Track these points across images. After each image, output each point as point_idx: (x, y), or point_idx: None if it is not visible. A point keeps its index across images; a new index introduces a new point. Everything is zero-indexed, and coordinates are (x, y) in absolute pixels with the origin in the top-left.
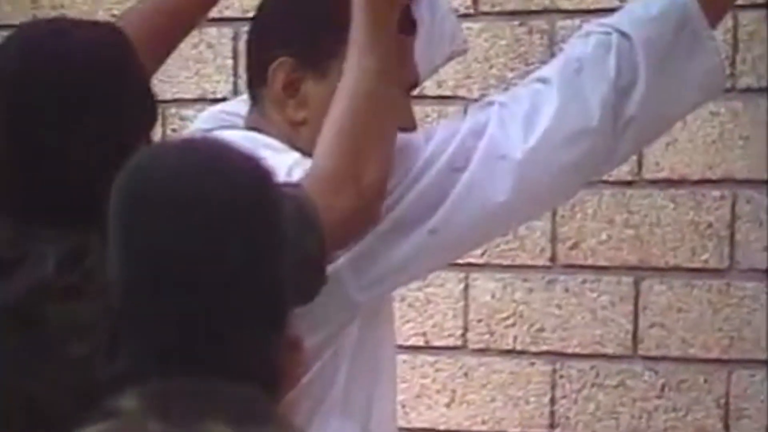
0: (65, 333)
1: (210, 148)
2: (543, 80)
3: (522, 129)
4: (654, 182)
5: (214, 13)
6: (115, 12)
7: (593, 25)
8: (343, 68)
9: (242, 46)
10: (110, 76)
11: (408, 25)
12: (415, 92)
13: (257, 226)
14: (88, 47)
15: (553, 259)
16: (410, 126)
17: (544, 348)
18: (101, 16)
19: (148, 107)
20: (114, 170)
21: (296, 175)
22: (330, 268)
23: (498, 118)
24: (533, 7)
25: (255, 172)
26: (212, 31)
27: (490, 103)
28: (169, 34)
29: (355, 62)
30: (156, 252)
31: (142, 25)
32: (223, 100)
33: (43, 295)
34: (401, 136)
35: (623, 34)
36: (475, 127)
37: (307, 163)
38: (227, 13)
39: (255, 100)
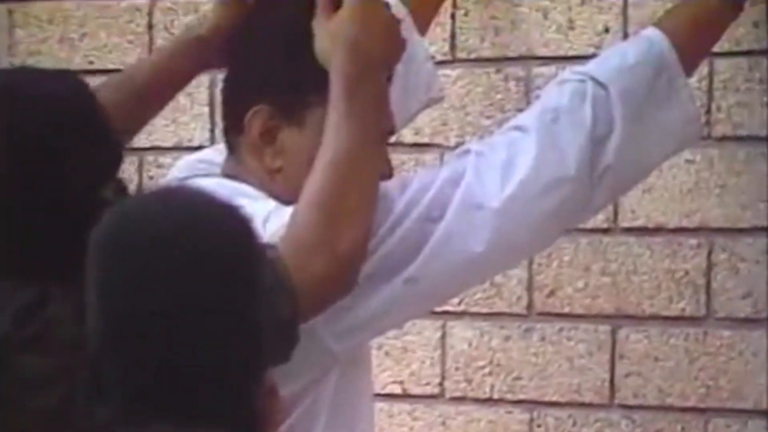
0: (29, 385)
1: (190, 198)
2: (519, 129)
3: (499, 178)
4: (630, 230)
5: None
6: (92, 59)
7: (569, 73)
8: (324, 126)
9: (219, 93)
10: (74, 119)
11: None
12: (392, 140)
13: (236, 276)
14: (57, 96)
15: (529, 307)
16: (387, 174)
17: (522, 396)
18: (78, 63)
19: (112, 150)
20: (72, 220)
21: (273, 224)
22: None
23: (474, 168)
24: (509, 54)
25: (235, 222)
26: None
27: (467, 152)
28: (139, 114)
29: (334, 129)
30: (134, 301)
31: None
32: (200, 147)
33: (2, 349)
34: (401, 178)
35: (599, 83)
36: (451, 177)
37: (284, 211)
38: None
39: (231, 148)
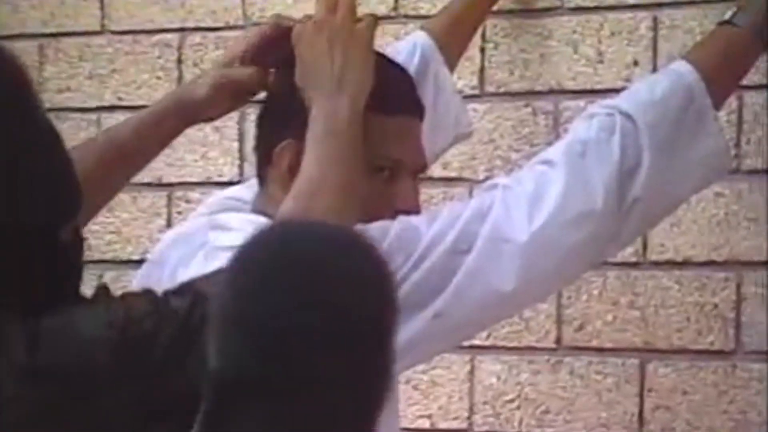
0: None
1: (328, 234)
2: (547, 162)
3: (526, 212)
4: (659, 264)
5: None
6: (122, 95)
7: (597, 106)
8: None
9: (248, 128)
10: (35, 161)
11: (417, 109)
12: (420, 174)
13: (380, 320)
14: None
15: (558, 341)
16: (415, 209)
17: (550, 430)
18: (108, 99)
19: (73, 193)
20: (30, 252)
21: None
22: None
23: (502, 201)
24: (538, 88)
25: (377, 262)
26: None
27: (495, 186)
28: (121, 175)
29: (312, 171)
30: (271, 343)
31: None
32: (230, 183)
33: None
34: (404, 219)
35: (627, 116)
36: (479, 210)
37: None
38: None
39: (262, 182)
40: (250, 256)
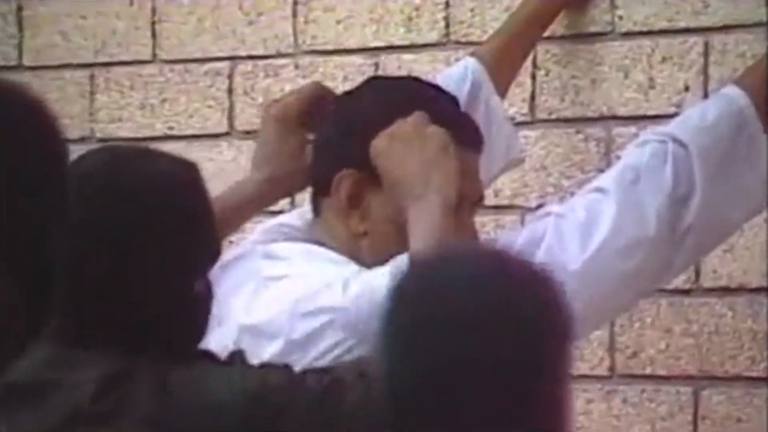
0: None
1: (497, 260)
2: (600, 190)
3: (579, 240)
4: (712, 290)
5: None
6: (173, 125)
7: (649, 133)
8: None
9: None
10: (183, 208)
11: (476, 142)
12: None
13: (545, 342)
14: (167, 178)
15: (611, 369)
16: (473, 240)
17: None
18: (159, 128)
19: (212, 246)
20: (167, 301)
21: (352, 289)
22: None
23: (555, 229)
24: (590, 114)
25: (545, 285)
26: None
27: (547, 214)
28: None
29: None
30: (441, 367)
31: None
32: (280, 212)
33: (76, 423)
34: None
35: (679, 143)
36: (532, 238)
37: (365, 276)
38: None
39: (317, 211)
40: (408, 293)
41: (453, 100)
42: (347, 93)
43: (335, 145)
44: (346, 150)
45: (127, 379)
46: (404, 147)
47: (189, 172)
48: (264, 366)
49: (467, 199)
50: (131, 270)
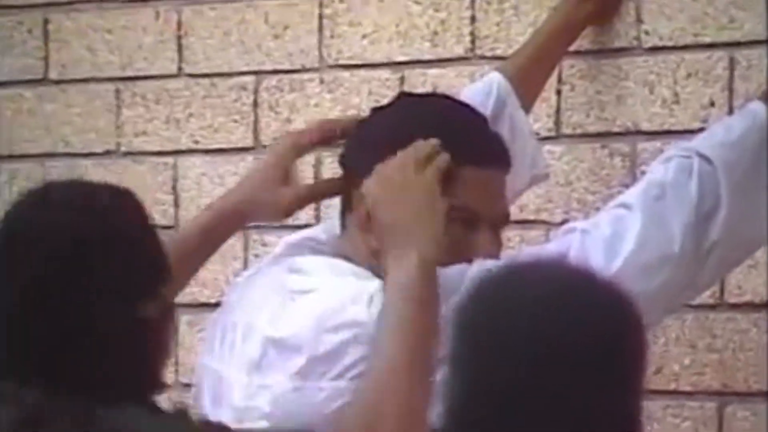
0: None
1: (566, 277)
2: (625, 206)
3: (603, 256)
4: (737, 306)
5: None
6: (198, 139)
7: (674, 149)
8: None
9: (324, 172)
10: (113, 236)
11: (503, 161)
12: None
13: (632, 367)
14: (112, 213)
15: None
16: (495, 258)
17: None
18: (184, 143)
19: (156, 267)
20: (108, 329)
21: (377, 305)
22: None
23: (579, 245)
24: (615, 129)
25: (626, 305)
26: None
27: (572, 230)
28: (186, 272)
29: (381, 355)
30: (508, 386)
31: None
32: (306, 226)
33: None
34: (482, 263)
35: (705, 158)
36: (556, 255)
37: None
38: None
39: (343, 225)
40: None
41: (481, 118)
42: (376, 109)
43: (357, 161)
44: (368, 166)
45: (45, 421)
46: (391, 193)
47: (120, 199)
48: (204, 424)
49: (489, 218)
50: (64, 303)
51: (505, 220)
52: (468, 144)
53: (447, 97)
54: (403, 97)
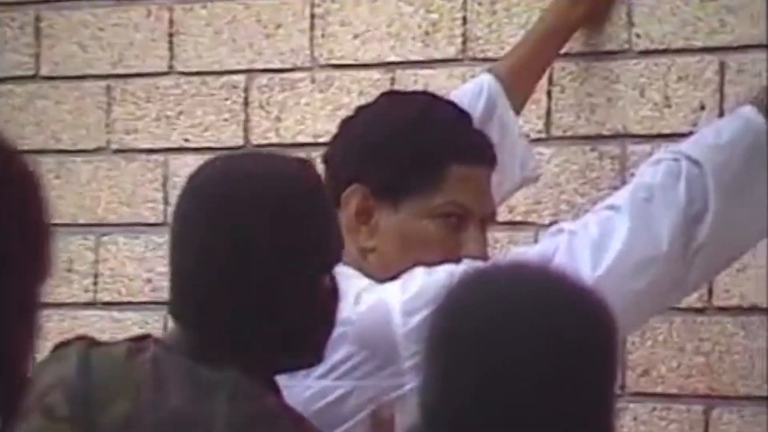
0: None
1: (541, 278)
2: (613, 208)
3: (590, 258)
4: (724, 310)
5: (287, 138)
6: (188, 137)
7: (663, 152)
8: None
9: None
10: (304, 207)
11: (488, 158)
12: None
13: (606, 367)
14: (285, 178)
15: (622, 386)
16: (481, 257)
17: None
18: (174, 140)
19: (334, 243)
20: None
21: (364, 303)
22: None
23: (566, 247)
24: (605, 132)
25: (597, 307)
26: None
27: (560, 231)
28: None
29: None
30: (498, 389)
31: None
32: None
33: None
34: (470, 263)
35: (693, 161)
36: (543, 256)
37: (377, 288)
38: (299, 139)
39: None
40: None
41: (465, 115)
42: (360, 108)
43: (344, 161)
44: (355, 166)
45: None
46: None
47: (306, 170)
48: None
49: (478, 214)
50: (257, 273)
51: (491, 217)
52: (453, 142)
53: (431, 95)
54: (387, 95)
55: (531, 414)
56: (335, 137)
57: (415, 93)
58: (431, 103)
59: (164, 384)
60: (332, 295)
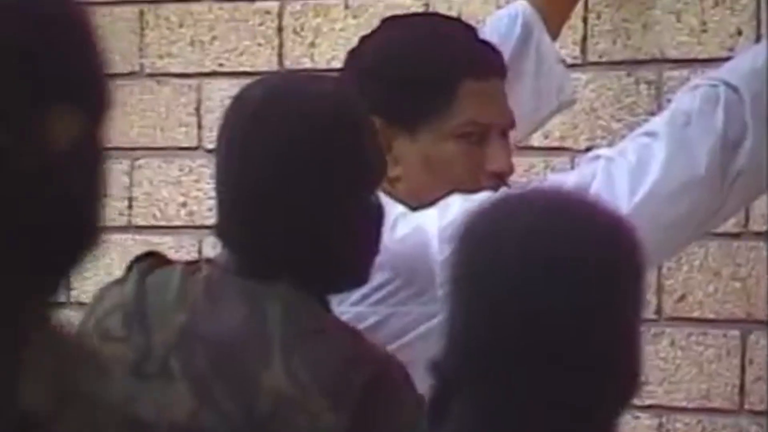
0: None
1: (568, 203)
2: (650, 134)
3: (628, 184)
4: (761, 234)
5: (320, 64)
6: (222, 62)
7: (701, 78)
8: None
9: None
10: (349, 125)
11: (497, 69)
12: (522, 143)
13: (627, 292)
14: (335, 103)
15: (659, 311)
16: (506, 167)
17: (650, 402)
18: (208, 65)
19: (379, 162)
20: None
21: (401, 230)
22: None
23: (604, 173)
24: (641, 57)
25: (621, 230)
26: None
27: (597, 157)
28: None
29: None
30: (516, 316)
31: None
32: None
33: None
34: (507, 190)
35: (731, 87)
36: (581, 182)
37: (411, 216)
38: (333, 64)
39: None
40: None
41: (470, 29)
42: (363, 38)
43: (361, 94)
44: (370, 98)
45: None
46: None
47: (349, 92)
48: None
49: (496, 127)
50: (306, 186)
51: (511, 125)
52: (462, 58)
53: (432, 15)
54: (387, 21)
55: (550, 346)
56: (342, 70)
57: (414, 15)
58: (434, 23)
59: (218, 300)
60: (378, 214)
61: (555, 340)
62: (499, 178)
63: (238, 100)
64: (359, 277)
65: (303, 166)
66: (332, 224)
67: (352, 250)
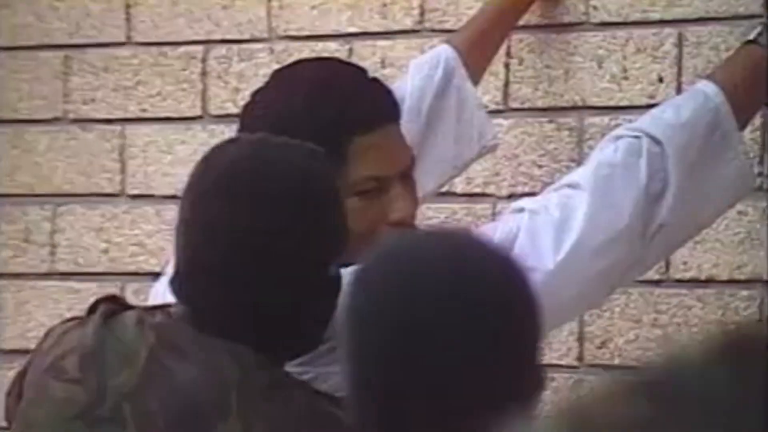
0: None
1: (453, 241)
2: (573, 186)
3: (552, 240)
4: (682, 282)
5: None
6: (146, 107)
7: (623, 129)
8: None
9: None
10: (320, 198)
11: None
12: (444, 189)
13: (518, 331)
14: (302, 178)
15: (580, 358)
16: (408, 212)
17: None
18: (132, 111)
19: (341, 234)
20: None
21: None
22: None
23: (528, 228)
24: (562, 104)
25: (506, 267)
26: None
27: (520, 210)
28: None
29: None
30: (403, 359)
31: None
32: None
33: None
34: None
35: (654, 139)
36: (505, 238)
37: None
38: None
39: None
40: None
41: (358, 75)
42: (254, 93)
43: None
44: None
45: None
46: None
47: (319, 161)
48: None
49: (394, 175)
50: (274, 261)
51: (411, 166)
52: (349, 115)
53: (322, 63)
54: (277, 74)
55: (441, 384)
56: (243, 119)
57: (304, 64)
58: (319, 76)
59: (174, 349)
60: (337, 285)
61: (442, 381)
62: (402, 226)
63: (206, 162)
64: (312, 344)
65: (268, 240)
66: (291, 296)
67: (311, 321)
